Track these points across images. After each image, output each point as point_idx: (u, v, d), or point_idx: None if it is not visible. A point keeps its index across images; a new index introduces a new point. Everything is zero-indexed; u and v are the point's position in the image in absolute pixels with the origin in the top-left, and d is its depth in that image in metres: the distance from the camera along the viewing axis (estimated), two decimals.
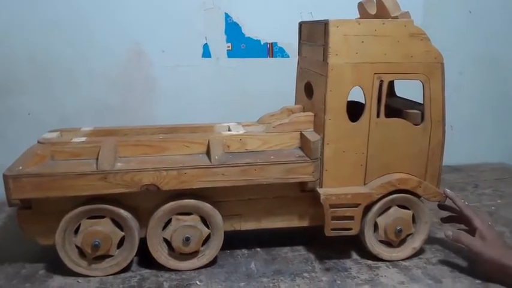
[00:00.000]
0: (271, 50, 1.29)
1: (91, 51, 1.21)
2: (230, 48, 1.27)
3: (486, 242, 0.80)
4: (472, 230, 0.83)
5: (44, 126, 1.11)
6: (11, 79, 1.19)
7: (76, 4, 1.17)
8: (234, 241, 0.88)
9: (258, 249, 0.91)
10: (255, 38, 1.28)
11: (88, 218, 0.79)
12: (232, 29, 1.26)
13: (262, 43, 1.29)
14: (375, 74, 0.80)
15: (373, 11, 0.88)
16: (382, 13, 0.84)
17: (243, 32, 1.27)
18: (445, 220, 0.93)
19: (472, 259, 0.85)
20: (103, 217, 0.80)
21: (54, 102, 1.22)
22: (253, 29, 1.27)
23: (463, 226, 0.87)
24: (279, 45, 1.29)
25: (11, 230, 0.99)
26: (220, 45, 1.27)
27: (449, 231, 0.84)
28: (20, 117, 1.21)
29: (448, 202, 0.90)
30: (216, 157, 0.80)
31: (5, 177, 0.74)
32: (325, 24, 0.79)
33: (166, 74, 1.25)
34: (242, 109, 1.24)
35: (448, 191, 0.87)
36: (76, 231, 0.79)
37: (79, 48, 1.20)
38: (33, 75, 1.20)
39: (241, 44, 1.28)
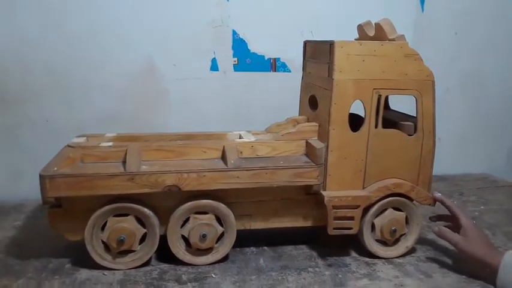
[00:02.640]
0: (274, 65, 1.37)
1: (106, 64, 1.27)
2: (236, 63, 1.35)
3: (469, 240, 0.85)
4: (457, 228, 0.89)
5: (60, 134, 1.17)
6: (29, 89, 1.24)
7: (92, 20, 1.24)
8: (242, 240, 0.94)
9: (265, 247, 0.98)
10: (260, 54, 1.35)
11: (114, 216, 0.86)
12: (239, 45, 1.33)
13: (266, 58, 1.36)
14: (374, 89, 0.88)
15: (371, 33, 0.97)
16: (379, 35, 0.93)
17: (248, 47, 1.34)
18: (434, 219, 1.00)
19: (457, 256, 0.92)
20: (127, 215, 0.86)
21: (70, 111, 1.27)
22: (258, 45, 1.35)
23: (451, 224, 0.94)
24: (281, 60, 1.37)
25: (31, 229, 1.05)
26: (227, 59, 1.34)
27: (436, 227, 0.91)
28: (38, 125, 1.26)
29: (438, 207, 0.96)
30: (232, 161, 0.87)
31: (41, 177, 0.80)
32: (330, 44, 0.88)
33: (177, 86, 1.32)
34: (247, 119, 1.33)
35: (436, 194, 0.94)
36: (103, 228, 0.86)
37: (95, 61, 1.26)
38: (50, 86, 1.25)
39: (246, 59, 1.35)
